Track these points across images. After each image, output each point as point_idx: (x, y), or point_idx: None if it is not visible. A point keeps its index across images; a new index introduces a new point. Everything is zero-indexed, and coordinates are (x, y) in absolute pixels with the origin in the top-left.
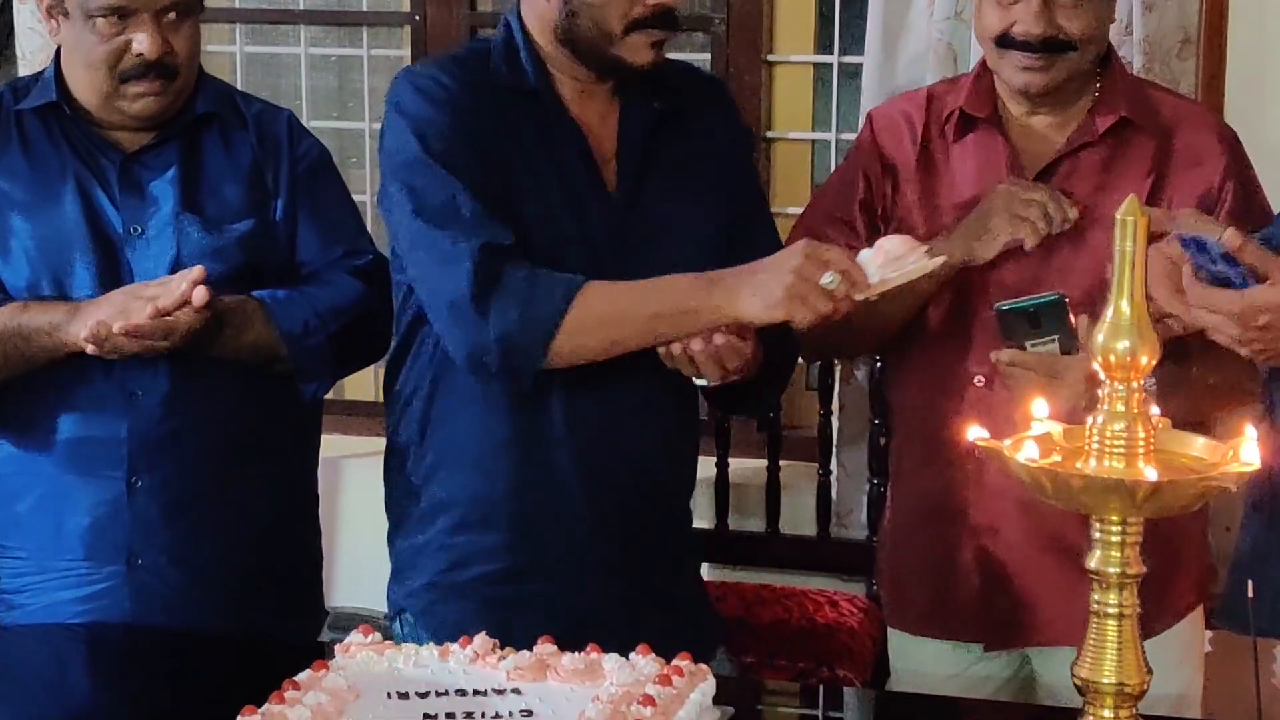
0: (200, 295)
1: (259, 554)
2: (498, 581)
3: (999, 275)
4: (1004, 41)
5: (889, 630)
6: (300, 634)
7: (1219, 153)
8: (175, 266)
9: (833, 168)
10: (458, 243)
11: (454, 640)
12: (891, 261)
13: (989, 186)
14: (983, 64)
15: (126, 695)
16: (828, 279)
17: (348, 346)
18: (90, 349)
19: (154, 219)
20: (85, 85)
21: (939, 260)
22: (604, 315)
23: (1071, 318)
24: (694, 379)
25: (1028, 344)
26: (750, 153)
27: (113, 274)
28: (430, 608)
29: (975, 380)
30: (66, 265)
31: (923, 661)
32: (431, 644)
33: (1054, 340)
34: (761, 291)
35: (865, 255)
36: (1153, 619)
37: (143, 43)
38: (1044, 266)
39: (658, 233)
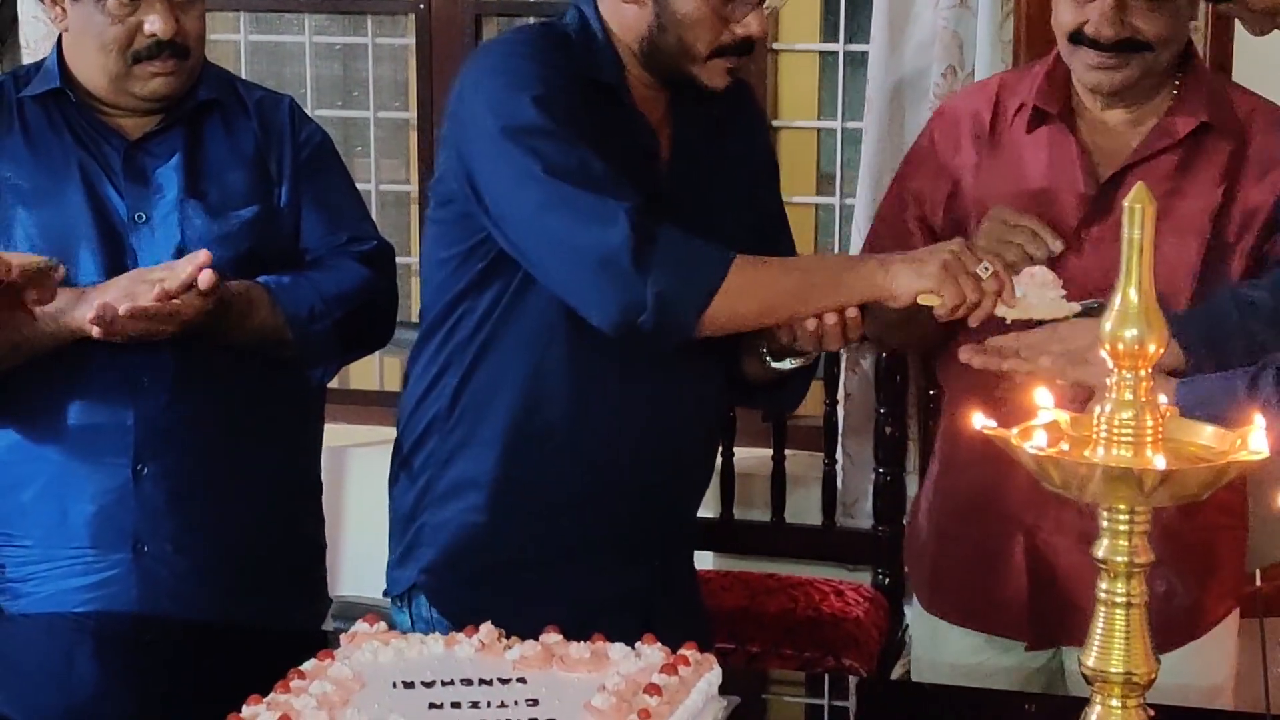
0: (206, 278)
1: (264, 541)
2: (520, 564)
3: (1068, 274)
4: (1076, 38)
5: (915, 614)
6: (304, 622)
7: None
8: (180, 253)
9: (839, 156)
10: (607, 201)
11: (468, 621)
12: (1037, 289)
13: (1061, 184)
14: (1056, 55)
15: (130, 685)
16: (984, 266)
17: (353, 332)
18: (96, 332)
19: (159, 205)
20: (95, 69)
21: (1076, 307)
22: (762, 282)
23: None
24: (775, 362)
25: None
26: (774, 157)
27: (117, 261)
28: (446, 589)
29: None
30: (71, 252)
31: (950, 649)
32: (437, 633)
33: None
34: (916, 266)
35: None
36: (1190, 630)
37: (155, 23)
38: (1111, 269)
39: (699, 234)
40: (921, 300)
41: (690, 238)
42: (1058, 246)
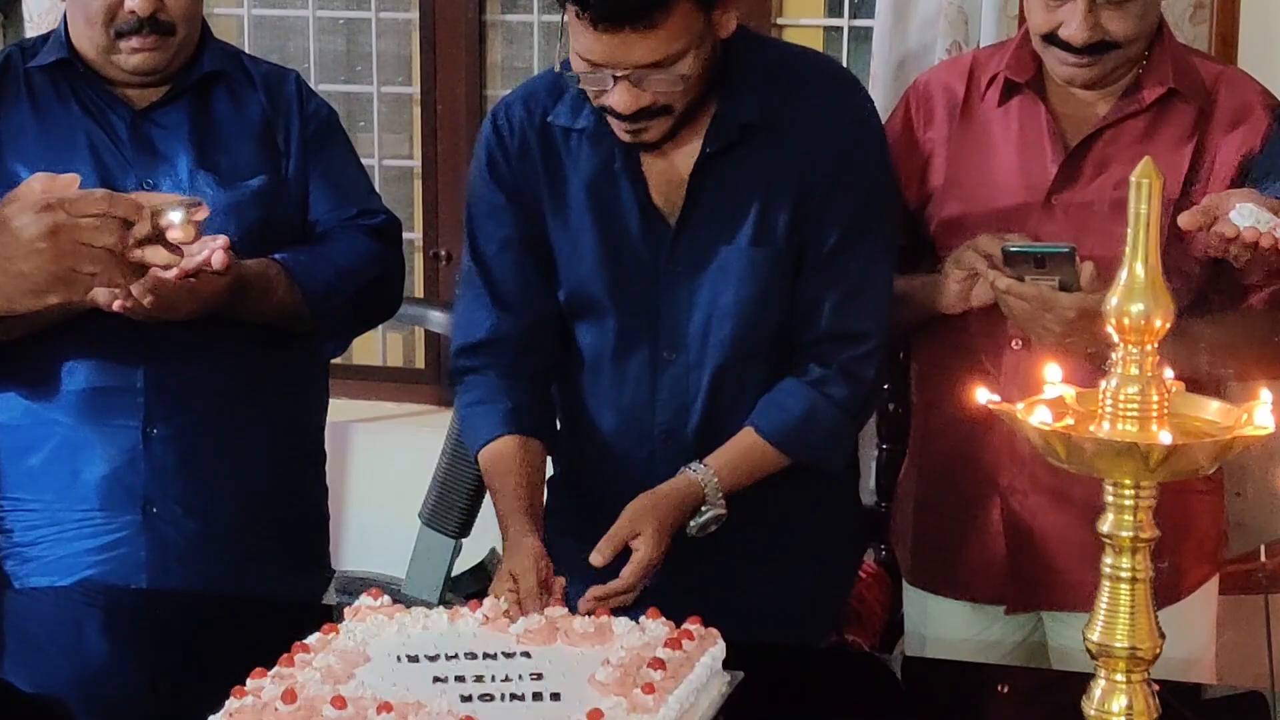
0: (219, 258)
1: (270, 505)
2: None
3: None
4: (1050, 39)
5: (905, 591)
6: (307, 590)
7: (1260, 114)
8: None
9: None
10: (460, 315)
11: None
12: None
13: (1031, 153)
14: (1027, 30)
15: (136, 658)
16: None
17: (366, 306)
18: (116, 305)
19: (168, 176)
20: (86, 40)
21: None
22: (488, 474)
23: (1077, 264)
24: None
25: (1027, 278)
26: (850, 178)
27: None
28: None
29: (1013, 344)
30: None
31: (938, 624)
32: (441, 607)
33: (1054, 280)
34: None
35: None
36: (1167, 592)
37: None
38: (1083, 234)
39: (707, 264)
40: None
41: (474, 409)
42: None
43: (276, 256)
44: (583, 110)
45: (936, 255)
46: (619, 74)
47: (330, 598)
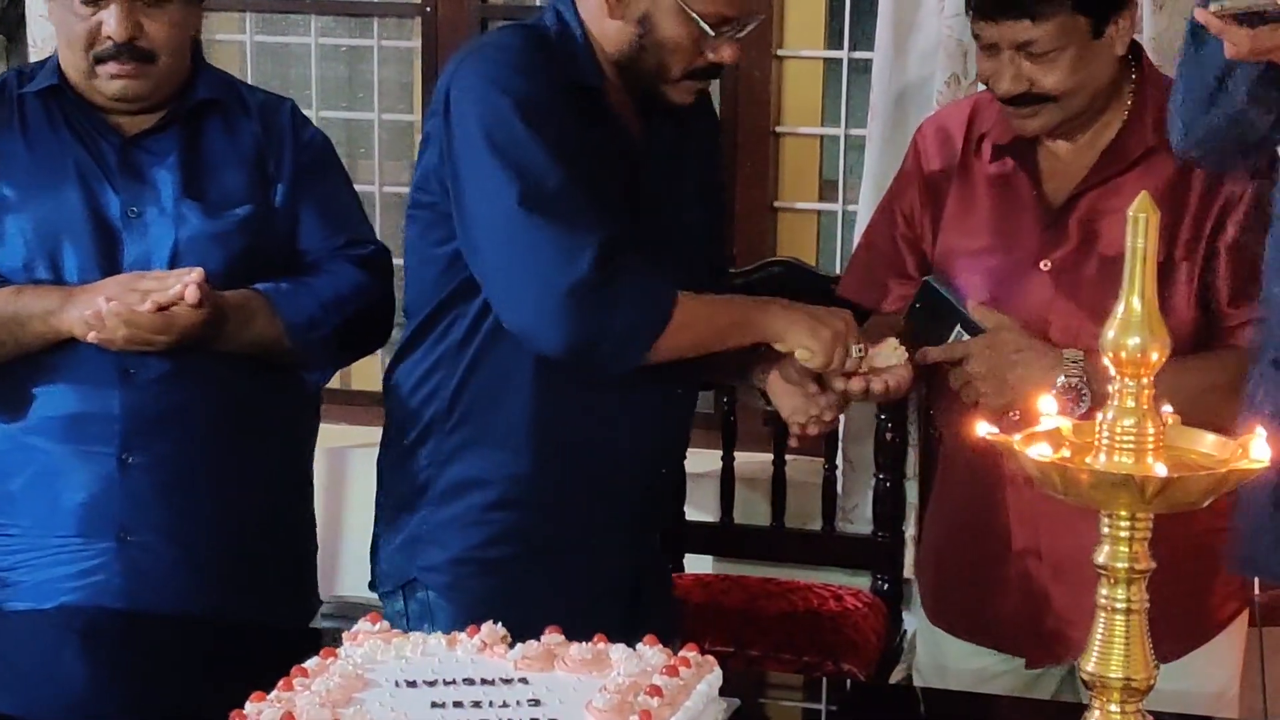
0: (192, 292)
1: (252, 535)
2: (526, 559)
3: (1031, 303)
4: (990, 89)
5: (920, 620)
6: (292, 620)
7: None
8: (174, 252)
9: (841, 164)
10: (576, 233)
11: (476, 616)
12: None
13: (1018, 215)
14: None
15: (126, 684)
16: (857, 347)
17: (351, 337)
18: (91, 336)
19: (153, 204)
20: (70, 65)
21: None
22: (699, 317)
23: (955, 296)
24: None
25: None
26: (720, 158)
27: (110, 257)
28: (457, 582)
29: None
30: (63, 248)
31: (955, 654)
32: (439, 632)
33: (958, 330)
34: (812, 325)
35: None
36: (1198, 635)
37: (110, 25)
38: (1076, 293)
39: (670, 234)
40: (798, 354)
41: (646, 271)
42: None
43: (259, 287)
44: None
45: None
46: (744, 25)
47: (317, 621)
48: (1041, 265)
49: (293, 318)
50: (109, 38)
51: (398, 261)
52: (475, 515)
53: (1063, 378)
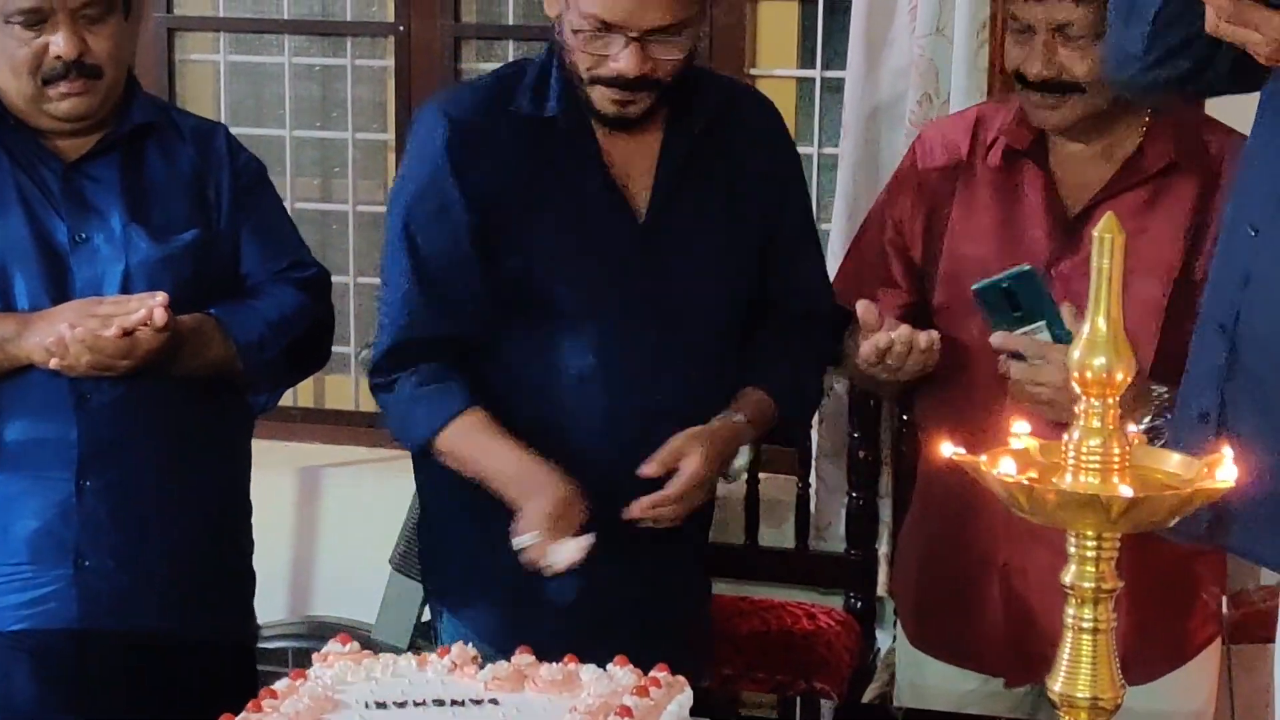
0: (160, 315)
1: (200, 558)
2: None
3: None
4: (1019, 78)
5: (900, 641)
6: (238, 639)
7: None
8: (126, 277)
9: (814, 182)
10: (382, 325)
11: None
12: None
13: (1030, 220)
14: None
15: (74, 705)
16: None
17: (298, 357)
18: (54, 363)
19: (101, 229)
20: (13, 91)
21: None
22: (455, 455)
23: (1051, 294)
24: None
25: (1016, 332)
26: (798, 174)
27: (59, 284)
28: (468, 604)
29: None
30: (12, 275)
31: (935, 674)
32: (410, 653)
33: (1041, 326)
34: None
35: None
36: (1173, 656)
37: (59, 44)
38: (1084, 303)
39: (682, 259)
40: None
41: (418, 393)
42: None
43: (210, 310)
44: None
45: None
46: (632, 34)
47: (301, 643)
48: (1050, 273)
49: (244, 339)
50: (58, 57)
51: (375, 280)
52: (474, 537)
53: (1147, 419)
